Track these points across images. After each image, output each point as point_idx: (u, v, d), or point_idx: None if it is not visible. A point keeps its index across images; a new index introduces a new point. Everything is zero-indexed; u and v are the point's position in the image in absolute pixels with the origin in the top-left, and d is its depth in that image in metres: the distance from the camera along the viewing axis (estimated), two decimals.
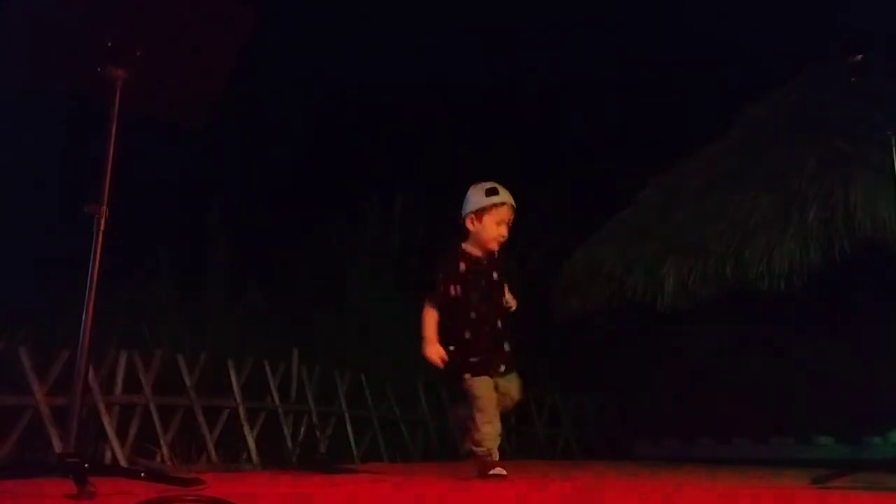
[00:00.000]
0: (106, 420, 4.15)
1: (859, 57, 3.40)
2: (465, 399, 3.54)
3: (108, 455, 4.15)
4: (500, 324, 3.63)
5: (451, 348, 3.55)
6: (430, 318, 3.59)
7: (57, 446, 3.80)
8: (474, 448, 3.44)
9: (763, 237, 5.71)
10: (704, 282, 6.00)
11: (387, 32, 9.84)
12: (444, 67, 9.59)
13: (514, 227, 3.66)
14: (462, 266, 3.62)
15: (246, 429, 4.77)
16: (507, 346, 3.63)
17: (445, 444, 6.16)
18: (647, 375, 6.89)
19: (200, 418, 4.59)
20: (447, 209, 7.23)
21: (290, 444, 5.04)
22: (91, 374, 3.96)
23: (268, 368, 5.04)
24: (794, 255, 5.45)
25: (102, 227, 2.37)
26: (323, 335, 6.15)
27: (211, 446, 4.59)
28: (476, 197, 3.64)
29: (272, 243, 6.89)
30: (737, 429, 6.23)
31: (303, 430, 5.20)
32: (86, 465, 2.17)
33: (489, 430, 3.44)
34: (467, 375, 3.50)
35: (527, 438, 6.97)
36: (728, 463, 5.50)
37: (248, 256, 5.97)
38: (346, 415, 5.50)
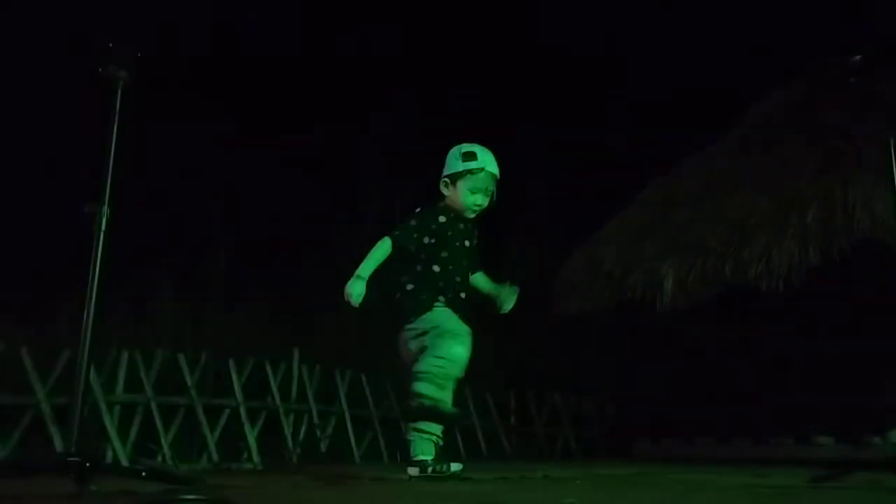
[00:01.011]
0: (107, 419, 4.16)
1: (859, 57, 3.40)
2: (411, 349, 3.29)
3: (110, 454, 4.17)
4: (463, 294, 3.37)
5: (398, 295, 3.34)
6: (379, 256, 3.29)
7: (58, 445, 3.82)
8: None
9: (762, 237, 5.71)
10: (704, 282, 6.00)
11: (386, 31, 9.85)
12: (445, 67, 9.60)
13: (497, 198, 3.37)
14: (442, 219, 3.36)
15: (247, 428, 4.78)
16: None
17: (446, 444, 6.17)
18: (646, 375, 6.89)
19: (201, 418, 4.61)
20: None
21: (290, 443, 5.05)
22: (92, 373, 3.97)
23: (268, 368, 5.05)
24: (794, 255, 5.46)
25: (103, 227, 2.38)
26: (323, 335, 6.16)
27: (212, 446, 4.60)
28: (452, 159, 3.37)
29: (272, 244, 6.91)
30: (737, 428, 6.23)
31: (303, 429, 5.21)
32: (87, 465, 2.18)
33: (460, 352, 3.22)
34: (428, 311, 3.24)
35: (527, 438, 6.98)
36: (728, 463, 5.51)
37: (248, 257, 5.99)
38: (347, 415, 5.50)
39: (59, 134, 6.02)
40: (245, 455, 4.79)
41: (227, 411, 4.80)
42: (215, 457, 4.58)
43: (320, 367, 5.52)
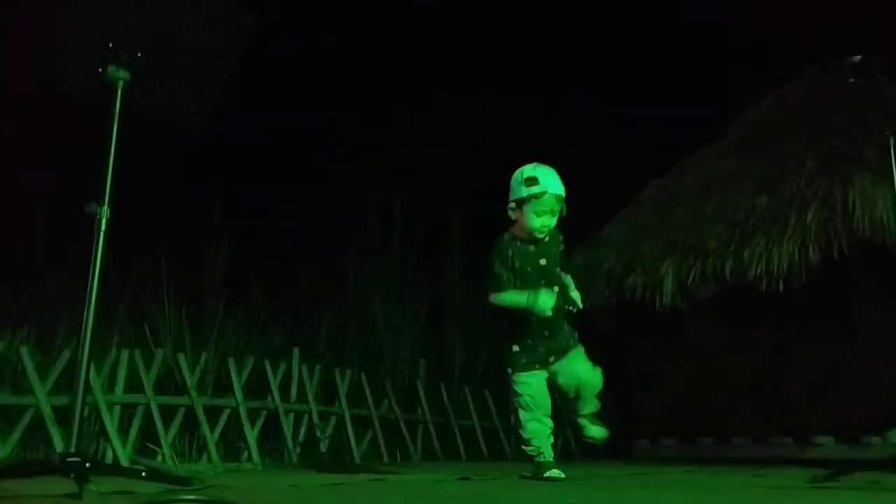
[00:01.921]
0: (107, 419, 4.16)
1: (858, 58, 3.40)
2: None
3: (110, 454, 4.17)
4: (551, 313, 3.46)
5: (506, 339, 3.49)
6: (511, 295, 3.40)
7: (58, 446, 3.82)
8: (523, 448, 3.44)
9: (762, 237, 5.71)
10: (704, 282, 6.01)
11: (387, 30, 9.85)
12: (444, 67, 9.60)
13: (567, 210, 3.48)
14: (509, 251, 3.47)
15: (246, 428, 4.78)
16: (565, 327, 3.57)
17: (446, 444, 6.18)
18: (646, 375, 6.89)
19: (201, 418, 4.61)
20: (447, 209, 7.27)
21: (290, 443, 5.05)
22: (92, 373, 3.97)
23: (268, 368, 5.06)
24: (793, 256, 5.46)
25: (104, 227, 2.38)
26: (323, 335, 6.16)
27: (212, 446, 4.60)
28: (516, 185, 3.45)
29: (272, 243, 6.90)
30: (736, 428, 6.23)
31: (303, 429, 5.21)
32: (87, 465, 2.18)
33: (535, 428, 3.44)
34: (509, 370, 3.46)
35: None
36: (728, 463, 5.51)
37: (248, 256, 5.99)
38: (347, 415, 5.50)
39: (59, 133, 6.02)
40: (245, 455, 4.79)
41: (227, 411, 4.80)
42: (215, 457, 4.58)
43: (320, 367, 5.52)
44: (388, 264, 6.70)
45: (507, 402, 7.00)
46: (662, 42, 9.88)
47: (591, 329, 6.99)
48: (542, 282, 3.47)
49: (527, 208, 3.40)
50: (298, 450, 5.08)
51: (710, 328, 6.43)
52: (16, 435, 3.94)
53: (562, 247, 3.58)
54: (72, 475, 2.13)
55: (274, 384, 5.05)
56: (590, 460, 6.22)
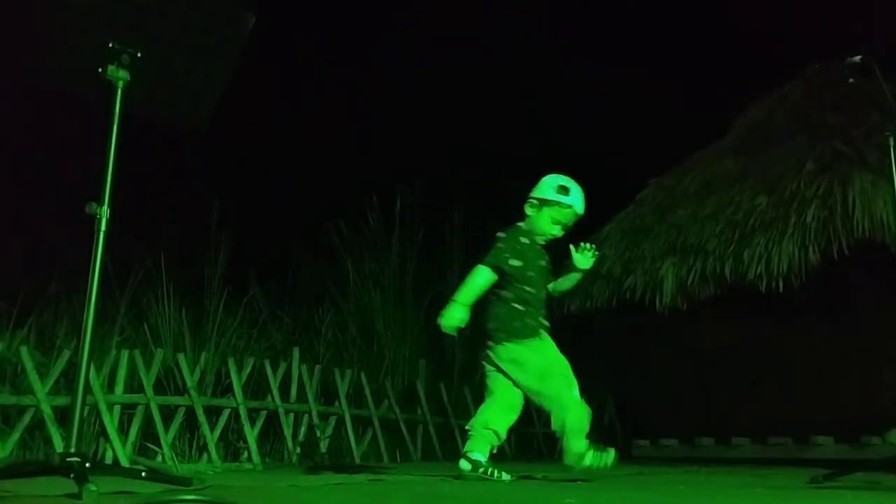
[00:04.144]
0: (107, 419, 4.16)
1: (858, 58, 3.40)
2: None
3: (110, 454, 4.17)
4: (544, 310, 3.57)
5: (492, 323, 3.47)
6: (479, 283, 3.43)
7: (58, 446, 3.82)
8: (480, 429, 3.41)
9: (762, 237, 5.71)
10: (703, 282, 6.01)
11: (387, 30, 9.85)
12: (444, 68, 9.60)
13: (569, 234, 3.58)
14: (524, 240, 3.54)
15: (246, 428, 4.78)
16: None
17: (446, 444, 6.18)
18: (646, 375, 6.89)
19: (201, 418, 4.61)
20: (446, 209, 7.26)
21: (290, 443, 5.05)
22: (92, 373, 3.98)
23: (268, 368, 5.06)
24: (793, 256, 5.46)
25: (104, 228, 2.38)
26: (323, 335, 6.16)
27: (212, 446, 4.60)
28: (547, 186, 3.52)
29: (272, 243, 6.91)
30: (736, 429, 6.23)
31: (303, 430, 5.21)
32: (87, 465, 2.18)
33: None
34: (514, 339, 3.42)
35: (527, 438, 6.98)
36: (728, 463, 5.51)
37: (248, 256, 5.99)
38: (347, 415, 5.50)
39: (59, 133, 6.02)
40: (245, 455, 4.79)
41: (227, 411, 4.80)
42: (215, 457, 4.58)
43: (320, 367, 5.52)
44: (388, 264, 6.70)
45: None
46: (663, 42, 9.89)
47: (591, 329, 7.01)
48: (543, 282, 3.57)
49: (547, 210, 3.49)
50: (298, 450, 5.08)
51: (710, 328, 6.43)
52: (16, 435, 3.95)
53: (548, 259, 3.66)
54: (72, 475, 2.13)
55: (274, 384, 5.05)
56: None
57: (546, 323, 3.57)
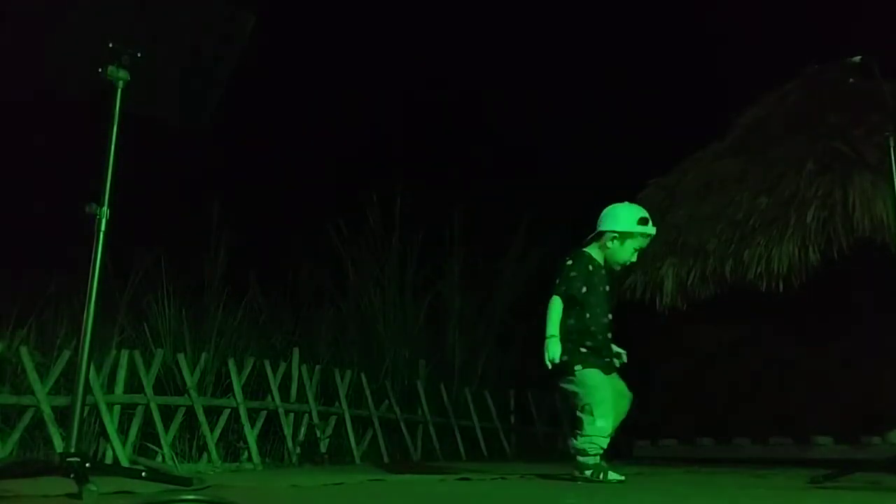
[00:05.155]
0: (107, 420, 4.16)
1: (858, 58, 3.40)
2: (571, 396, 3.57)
3: (110, 454, 4.17)
4: (609, 335, 3.71)
5: (569, 344, 3.57)
6: (559, 311, 3.60)
7: (58, 446, 3.82)
8: (582, 446, 3.46)
9: (762, 237, 5.71)
10: (703, 282, 6.01)
11: (387, 30, 9.85)
12: (444, 68, 9.60)
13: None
14: (590, 268, 3.70)
15: (246, 428, 4.78)
16: (612, 347, 3.72)
17: (446, 444, 6.17)
18: (646, 375, 6.88)
19: (201, 418, 4.61)
20: (446, 209, 7.26)
21: (290, 443, 5.05)
22: (92, 373, 3.97)
23: (268, 368, 5.06)
24: (793, 256, 5.46)
25: (103, 228, 2.38)
26: (323, 335, 6.16)
27: (212, 446, 4.60)
28: (627, 219, 3.70)
29: (272, 243, 6.90)
30: (736, 429, 6.23)
31: (303, 429, 5.21)
32: (87, 465, 2.18)
33: (603, 426, 3.46)
34: (576, 367, 3.53)
35: (527, 438, 6.98)
36: (728, 463, 5.51)
37: (248, 256, 5.99)
38: (347, 415, 5.50)
39: (59, 133, 6.02)
40: (245, 455, 4.79)
41: (226, 411, 4.80)
42: (215, 457, 4.58)
43: (320, 367, 5.52)
44: (388, 264, 6.70)
45: (506, 403, 7.02)
46: (663, 41, 9.89)
47: None
48: (607, 307, 3.71)
49: (630, 242, 3.68)
50: (298, 450, 5.08)
51: (710, 328, 6.43)
52: (16, 435, 3.94)
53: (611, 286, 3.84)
54: (72, 475, 2.13)
55: (274, 384, 5.05)
56: None
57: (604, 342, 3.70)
